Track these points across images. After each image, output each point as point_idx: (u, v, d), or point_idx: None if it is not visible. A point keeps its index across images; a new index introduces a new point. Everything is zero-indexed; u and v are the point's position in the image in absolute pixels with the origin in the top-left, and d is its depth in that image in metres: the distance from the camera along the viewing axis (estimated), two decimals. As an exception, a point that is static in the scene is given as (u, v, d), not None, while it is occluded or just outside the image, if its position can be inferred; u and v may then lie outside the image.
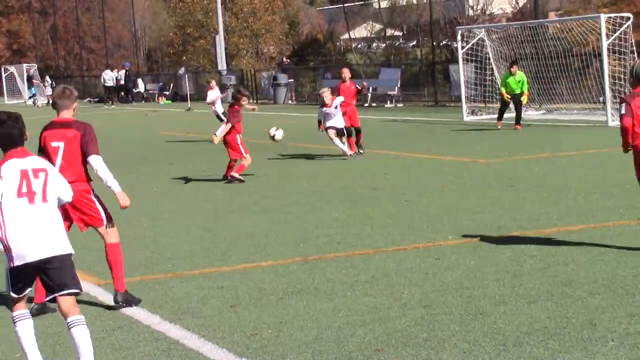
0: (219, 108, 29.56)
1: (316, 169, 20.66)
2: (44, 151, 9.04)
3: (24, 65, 79.62)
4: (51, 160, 8.79)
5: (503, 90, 27.89)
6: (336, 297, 9.28)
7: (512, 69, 28.01)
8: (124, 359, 7.74)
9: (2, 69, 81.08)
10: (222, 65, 60.18)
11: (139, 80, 66.86)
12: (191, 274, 10.69)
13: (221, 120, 27.22)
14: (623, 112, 10.10)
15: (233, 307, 9.08)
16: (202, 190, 17.99)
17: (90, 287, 10.07)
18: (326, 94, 21.93)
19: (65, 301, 7.01)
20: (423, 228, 12.69)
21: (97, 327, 8.44)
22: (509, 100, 27.87)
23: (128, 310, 9.15)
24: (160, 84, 67.29)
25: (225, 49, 62.11)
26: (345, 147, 21.90)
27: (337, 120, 21.75)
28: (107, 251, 9.34)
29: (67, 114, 9.25)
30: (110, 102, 62.07)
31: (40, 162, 7.19)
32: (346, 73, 23.42)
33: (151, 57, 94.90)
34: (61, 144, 9.11)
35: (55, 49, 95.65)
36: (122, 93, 64.19)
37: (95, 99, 70.50)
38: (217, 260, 11.37)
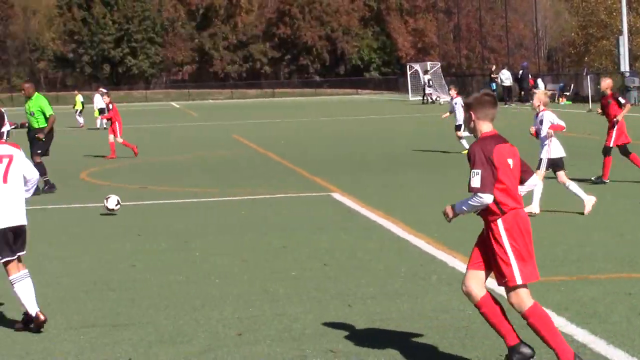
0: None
1: None
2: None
3: (428, 62, 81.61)
4: None
5: None
6: None
7: None
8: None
9: (408, 67, 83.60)
10: (624, 66, 58.49)
11: (539, 80, 66.50)
12: (596, 277, 10.53)
13: None
14: None
15: (642, 315, 8.85)
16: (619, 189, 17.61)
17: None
18: None
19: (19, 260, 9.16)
20: None
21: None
22: None
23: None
24: (561, 84, 66.53)
25: (629, 50, 60.27)
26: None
27: None
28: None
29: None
30: (508, 101, 62.26)
31: (7, 149, 9.09)
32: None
33: (551, 57, 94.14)
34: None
35: (457, 48, 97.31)
36: (521, 92, 64.16)
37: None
38: (623, 265, 11.12)
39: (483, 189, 6.98)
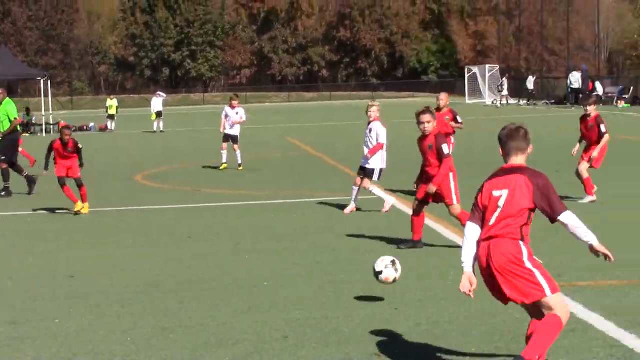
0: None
1: None
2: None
3: (487, 66, 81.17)
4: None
5: None
6: None
7: None
8: (576, 364, 7.70)
9: (466, 69, 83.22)
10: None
11: (597, 83, 65.85)
12: (647, 283, 10.40)
13: None
14: None
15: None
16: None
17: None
18: None
19: None
20: None
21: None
22: None
23: (583, 314, 9.06)
24: (620, 87, 65.80)
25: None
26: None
27: None
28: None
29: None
30: (574, 104, 61.88)
31: None
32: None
33: (612, 60, 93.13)
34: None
35: (517, 50, 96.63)
36: (580, 95, 63.57)
37: (552, 101, 70.54)
38: (676, 271, 10.97)
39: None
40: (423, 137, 13.12)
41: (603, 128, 17.72)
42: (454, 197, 12.98)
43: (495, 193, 6.95)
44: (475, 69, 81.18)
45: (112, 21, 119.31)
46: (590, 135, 17.90)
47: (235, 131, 26.84)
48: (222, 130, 27.00)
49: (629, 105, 60.14)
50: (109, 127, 53.25)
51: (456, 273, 11.24)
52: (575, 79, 63.56)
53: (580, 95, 62.98)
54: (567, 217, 6.84)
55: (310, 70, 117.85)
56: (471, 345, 8.22)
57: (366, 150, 17.20)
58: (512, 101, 73.15)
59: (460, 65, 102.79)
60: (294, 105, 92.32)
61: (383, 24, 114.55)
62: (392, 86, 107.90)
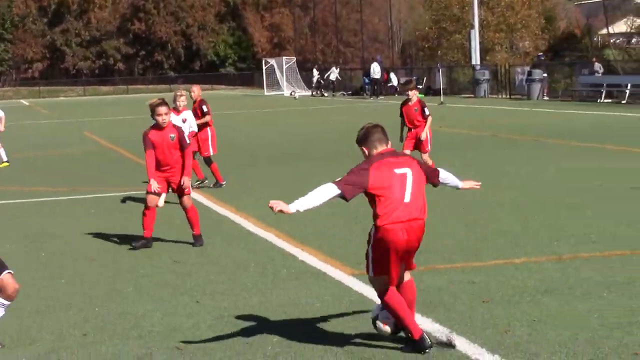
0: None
1: (571, 166, 20.22)
2: None
3: (284, 57, 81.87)
4: None
5: None
6: (591, 297, 9.06)
7: None
8: (372, 347, 7.84)
9: (263, 62, 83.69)
10: (476, 59, 59.84)
11: (391, 74, 67.46)
12: (444, 267, 10.71)
13: None
14: None
15: (485, 302, 9.03)
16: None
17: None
18: None
19: None
20: (685, 231, 12.18)
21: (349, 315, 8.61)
22: None
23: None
24: (414, 77, 67.62)
25: (480, 43, 61.68)
26: None
27: None
28: None
29: None
30: (375, 95, 63.34)
31: None
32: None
33: (405, 51, 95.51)
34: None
35: (313, 42, 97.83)
36: (375, 86, 64.99)
37: (349, 92, 71.87)
38: (470, 255, 11.35)
39: None
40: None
41: (427, 111, 18.58)
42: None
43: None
44: (273, 61, 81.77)
45: None
46: (413, 119, 18.55)
47: None
48: None
49: (424, 95, 61.87)
50: None
51: (257, 264, 11.30)
52: (377, 70, 64.85)
53: (376, 87, 64.41)
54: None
55: (106, 63, 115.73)
56: (273, 335, 8.26)
57: None
58: (306, 92, 74.17)
59: (257, 57, 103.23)
60: (90, 99, 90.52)
61: (178, 16, 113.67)
62: (190, 79, 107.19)
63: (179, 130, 12.88)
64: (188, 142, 13.01)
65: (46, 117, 56.19)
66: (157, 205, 13.00)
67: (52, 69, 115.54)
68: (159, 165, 12.68)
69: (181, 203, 12.95)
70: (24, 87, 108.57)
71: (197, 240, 12.77)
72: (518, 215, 14.12)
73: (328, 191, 7.34)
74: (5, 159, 25.84)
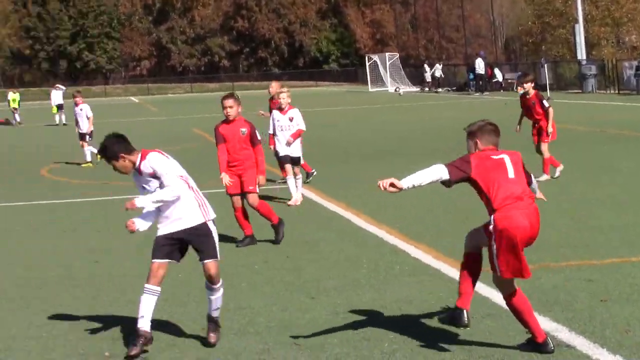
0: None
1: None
2: None
3: (387, 54, 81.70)
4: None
5: None
6: None
7: None
8: (492, 346, 7.79)
9: (366, 58, 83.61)
10: (581, 54, 58.94)
11: (496, 70, 66.84)
12: (558, 265, 10.59)
13: None
14: None
15: (603, 301, 8.91)
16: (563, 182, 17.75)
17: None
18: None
19: None
20: None
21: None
22: None
23: (499, 298, 9.17)
24: (519, 73, 66.85)
25: (585, 38, 60.71)
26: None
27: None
28: None
29: None
30: (477, 90, 62.88)
31: None
32: None
33: (509, 47, 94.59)
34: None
35: (415, 38, 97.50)
36: (480, 82, 64.43)
37: (453, 88, 71.46)
38: (584, 252, 11.20)
39: None
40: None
41: (546, 103, 18.42)
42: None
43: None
44: (376, 57, 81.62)
45: (4, 13, 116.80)
46: (532, 112, 18.47)
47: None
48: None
49: (528, 90, 61.21)
50: (16, 119, 52.11)
51: (369, 261, 11.29)
52: (482, 66, 64.28)
53: (481, 83, 63.80)
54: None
55: (211, 60, 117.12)
56: (387, 332, 8.27)
57: (283, 140, 16.81)
58: (410, 89, 74.00)
59: (360, 54, 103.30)
60: (197, 96, 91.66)
61: (280, 13, 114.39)
62: (295, 75, 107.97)
63: (251, 126, 12.78)
64: (259, 138, 12.86)
65: (155, 115, 57.09)
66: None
67: (159, 66, 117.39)
68: (229, 161, 12.63)
69: (248, 201, 12.79)
70: (133, 85, 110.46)
71: (279, 227, 12.67)
72: (625, 210, 13.87)
73: (437, 171, 7.39)
74: (89, 159, 26.12)
